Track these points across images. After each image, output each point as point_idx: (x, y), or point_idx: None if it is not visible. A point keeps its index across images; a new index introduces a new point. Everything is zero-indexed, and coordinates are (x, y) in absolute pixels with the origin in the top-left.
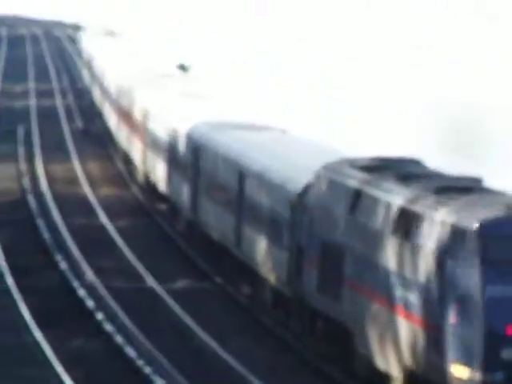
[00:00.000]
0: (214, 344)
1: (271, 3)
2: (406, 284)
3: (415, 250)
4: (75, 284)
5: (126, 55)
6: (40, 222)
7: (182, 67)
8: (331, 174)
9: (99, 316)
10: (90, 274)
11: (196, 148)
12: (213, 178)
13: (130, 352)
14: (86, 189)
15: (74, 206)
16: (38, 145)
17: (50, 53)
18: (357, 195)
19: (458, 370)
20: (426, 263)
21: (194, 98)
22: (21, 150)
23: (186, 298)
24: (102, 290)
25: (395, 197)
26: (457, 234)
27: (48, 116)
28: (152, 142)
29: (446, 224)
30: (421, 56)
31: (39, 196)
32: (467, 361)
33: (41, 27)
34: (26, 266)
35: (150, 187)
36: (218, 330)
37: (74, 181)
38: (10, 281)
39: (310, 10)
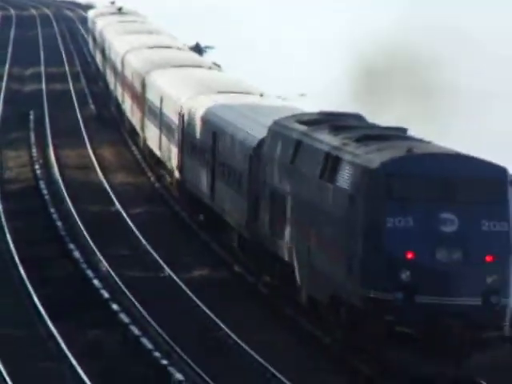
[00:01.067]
0: (233, 336)
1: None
2: (330, 221)
3: (335, 190)
4: (89, 273)
5: (139, 35)
6: (53, 210)
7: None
8: (280, 128)
9: (114, 306)
10: (104, 263)
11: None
12: (193, 139)
13: (147, 344)
14: (100, 175)
15: (87, 193)
16: (50, 130)
17: (62, 35)
18: (296, 146)
19: (368, 292)
20: (343, 201)
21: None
22: (32, 136)
23: (203, 287)
24: (117, 280)
25: (323, 145)
26: (364, 174)
27: (60, 101)
28: (167, 128)
29: (357, 165)
30: None
31: (52, 183)
32: (374, 283)
33: (52, 8)
34: (38, 256)
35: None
36: (237, 321)
37: (87, 167)
38: (21, 271)
39: None
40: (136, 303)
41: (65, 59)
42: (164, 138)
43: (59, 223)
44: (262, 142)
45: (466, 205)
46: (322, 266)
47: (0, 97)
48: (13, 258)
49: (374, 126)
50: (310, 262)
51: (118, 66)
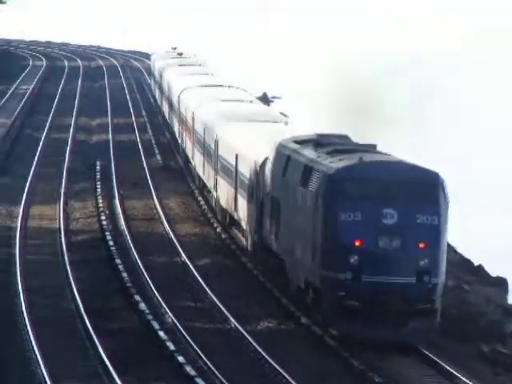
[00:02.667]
0: None
1: None
2: (304, 218)
3: (307, 193)
4: (155, 325)
5: (210, 88)
6: (118, 261)
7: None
8: (279, 147)
9: (180, 359)
10: (170, 315)
11: None
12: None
13: None
14: (166, 226)
15: (153, 244)
16: (117, 181)
17: (128, 85)
18: (287, 160)
19: (327, 273)
20: (311, 201)
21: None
22: (99, 187)
23: (270, 339)
24: (183, 332)
25: (303, 158)
26: (323, 178)
27: (126, 151)
28: (241, 183)
29: (320, 172)
30: None
31: (118, 234)
32: (329, 266)
33: (119, 58)
34: (103, 307)
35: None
36: (305, 374)
37: (153, 218)
38: (87, 322)
39: None
40: (202, 355)
41: (131, 109)
42: (240, 198)
43: (125, 274)
44: (266, 159)
45: (404, 202)
46: (299, 257)
47: (67, 147)
48: (78, 309)
49: (350, 144)
50: (292, 255)
51: (189, 121)
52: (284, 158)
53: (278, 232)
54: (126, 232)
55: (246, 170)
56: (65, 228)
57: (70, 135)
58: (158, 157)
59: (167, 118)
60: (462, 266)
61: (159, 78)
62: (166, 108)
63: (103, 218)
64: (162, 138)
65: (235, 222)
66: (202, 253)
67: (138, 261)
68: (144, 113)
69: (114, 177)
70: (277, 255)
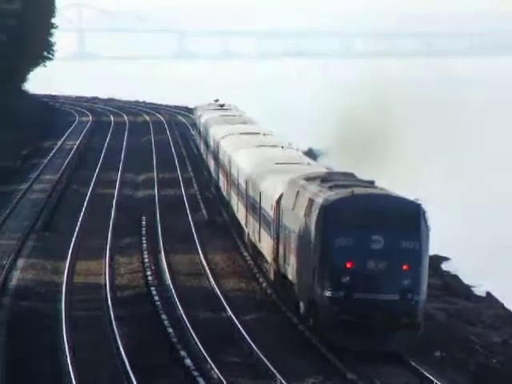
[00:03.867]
0: None
1: None
2: (307, 245)
3: (309, 223)
4: (201, 381)
5: (261, 148)
6: (164, 317)
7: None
8: (292, 184)
9: None
10: (215, 371)
11: None
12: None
13: None
14: (212, 281)
15: (199, 299)
16: (162, 236)
17: (174, 140)
18: (296, 195)
19: (324, 292)
20: (312, 230)
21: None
22: (144, 242)
23: None
24: None
25: (308, 193)
26: (321, 209)
27: (172, 206)
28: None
29: (319, 204)
30: None
31: (163, 289)
32: (325, 285)
33: (164, 113)
34: (149, 363)
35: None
36: None
37: (199, 273)
38: (133, 378)
39: None
40: None
41: (177, 165)
42: (263, 232)
43: (170, 330)
44: (281, 195)
45: (390, 229)
46: (304, 278)
47: (113, 203)
48: (124, 365)
49: (351, 180)
50: (300, 279)
51: (242, 185)
52: (294, 192)
53: (289, 260)
54: (172, 287)
55: (266, 206)
56: (110, 283)
57: (116, 190)
58: (204, 211)
59: (212, 172)
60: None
61: (203, 131)
62: (211, 163)
63: (149, 273)
64: (208, 193)
65: (262, 255)
66: (248, 308)
67: (184, 316)
68: (190, 168)
69: (159, 232)
70: (289, 281)
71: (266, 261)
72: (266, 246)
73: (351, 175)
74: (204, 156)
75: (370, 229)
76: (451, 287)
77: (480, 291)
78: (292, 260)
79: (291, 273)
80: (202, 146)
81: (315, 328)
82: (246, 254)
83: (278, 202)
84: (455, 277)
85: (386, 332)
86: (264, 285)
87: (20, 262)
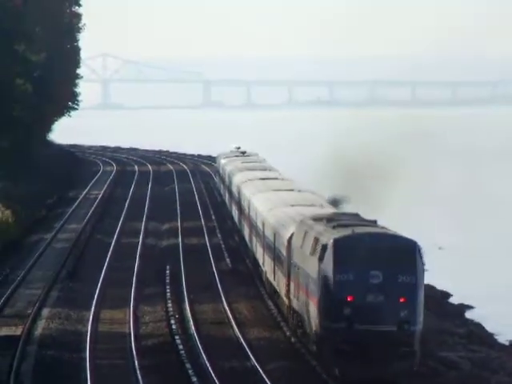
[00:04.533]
0: None
1: None
2: (312, 281)
3: (314, 259)
4: None
5: (269, 185)
6: (188, 366)
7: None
8: (301, 224)
9: None
10: None
11: None
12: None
13: None
14: (236, 330)
15: (223, 348)
16: (186, 285)
17: (198, 189)
18: (304, 235)
19: (326, 323)
20: (315, 266)
21: None
22: (168, 291)
23: None
24: None
25: (315, 232)
26: (324, 247)
27: (196, 255)
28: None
29: (323, 242)
30: None
31: (188, 338)
32: (328, 317)
33: (188, 163)
34: None
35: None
36: None
37: (223, 322)
38: None
39: None
40: None
41: (201, 214)
42: (277, 270)
43: (195, 379)
44: (292, 235)
45: (387, 265)
46: (311, 312)
47: (137, 252)
48: None
49: (355, 220)
50: (308, 312)
51: (259, 226)
52: (303, 232)
53: (298, 294)
54: (196, 336)
55: (280, 245)
56: (135, 332)
57: (140, 240)
58: (228, 260)
59: (236, 221)
60: None
61: (226, 179)
62: (234, 212)
63: (173, 321)
64: (231, 242)
65: (277, 292)
66: (272, 357)
67: (208, 365)
68: (213, 217)
69: (183, 280)
70: (299, 313)
71: (280, 297)
72: (279, 282)
73: (356, 215)
74: (228, 205)
75: (368, 264)
76: (475, 335)
77: (503, 339)
78: (301, 295)
79: (300, 307)
80: (226, 195)
81: (322, 358)
82: (269, 302)
83: (289, 241)
84: (479, 325)
85: (385, 361)
86: (288, 333)
87: (45, 312)
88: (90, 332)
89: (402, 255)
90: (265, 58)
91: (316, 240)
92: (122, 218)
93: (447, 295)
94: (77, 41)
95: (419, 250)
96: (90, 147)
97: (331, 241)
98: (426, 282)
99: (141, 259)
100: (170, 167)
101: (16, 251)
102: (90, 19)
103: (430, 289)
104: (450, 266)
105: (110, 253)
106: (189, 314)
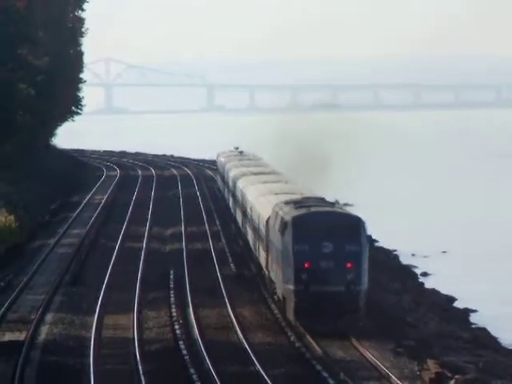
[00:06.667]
0: None
1: None
2: (279, 253)
3: (280, 235)
4: None
5: (261, 178)
6: (192, 371)
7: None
8: (274, 207)
9: None
10: None
11: None
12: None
13: None
14: (240, 335)
15: (227, 353)
16: (190, 290)
17: (202, 194)
18: (275, 216)
19: (288, 286)
20: (282, 242)
21: None
22: (172, 296)
23: None
24: None
25: (281, 213)
26: (285, 224)
27: (200, 260)
28: None
29: (285, 220)
30: None
31: (192, 343)
32: (290, 281)
33: (192, 167)
34: None
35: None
36: None
37: (227, 327)
38: None
39: None
40: None
41: (205, 218)
42: (260, 249)
43: None
44: (270, 216)
45: (337, 237)
46: (279, 278)
47: (141, 257)
48: None
49: (317, 201)
50: (277, 279)
51: (249, 210)
52: (275, 214)
53: (272, 266)
54: (200, 341)
55: (261, 226)
56: (139, 337)
57: (144, 244)
58: (232, 265)
59: (240, 226)
60: None
61: (232, 187)
62: (239, 216)
63: (177, 327)
64: (235, 246)
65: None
66: (276, 362)
67: (212, 370)
68: (217, 221)
69: (187, 285)
70: (273, 282)
71: (263, 271)
72: (261, 257)
73: (321, 199)
74: (232, 209)
75: (321, 237)
76: (480, 340)
77: (509, 344)
78: (274, 265)
79: (274, 276)
80: (241, 219)
81: (287, 316)
82: (273, 306)
83: (268, 221)
84: (484, 329)
85: (336, 315)
86: (292, 338)
87: (48, 317)
88: (93, 337)
89: (349, 229)
90: (267, 62)
91: (281, 219)
92: (125, 223)
93: (452, 299)
94: (80, 45)
95: (363, 225)
96: (94, 152)
97: (290, 218)
98: (430, 286)
99: (145, 264)
100: (174, 172)
101: (19, 256)
102: (93, 24)
103: (434, 293)
104: (455, 269)
105: (113, 257)
106: (193, 319)
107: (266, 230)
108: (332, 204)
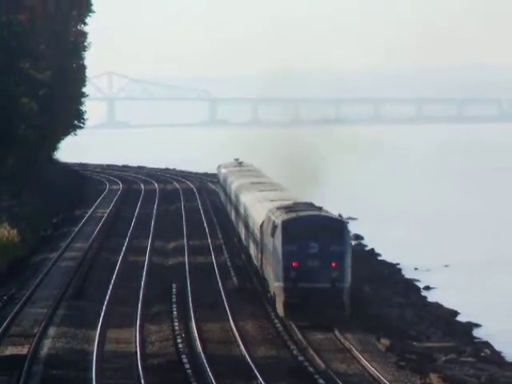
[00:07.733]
0: None
1: None
2: (270, 253)
3: (271, 238)
4: None
5: (260, 187)
6: None
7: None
8: (268, 212)
9: None
10: None
11: None
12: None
13: None
14: (242, 349)
15: (230, 367)
16: (193, 304)
17: (204, 207)
18: (268, 220)
19: (278, 283)
20: (272, 244)
21: None
22: (175, 310)
23: None
24: None
25: (274, 218)
26: (276, 227)
27: (202, 273)
28: None
29: (276, 223)
30: None
31: (194, 357)
32: (280, 278)
33: (195, 181)
34: None
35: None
36: None
37: (229, 341)
38: None
39: None
40: None
41: (207, 232)
42: (254, 249)
43: None
44: (264, 221)
45: (322, 239)
46: (270, 276)
47: (143, 271)
48: None
49: (306, 206)
50: (269, 277)
51: (242, 211)
52: (268, 219)
53: (266, 266)
54: (202, 355)
55: (256, 230)
56: (141, 351)
57: (146, 258)
58: (234, 278)
59: (242, 238)
60: None
61: (235, 200)
62: (241, 229)
63: (179, 340)
64: (238, 260)
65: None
66: (279, 376)
67: None
68: (220, 235)
69: (189, 299)
70: (266, 281)
71: (255, 268)
72: (255, 257)
73: (310, 204)
74: (234, 223)
75: (308, 239)
76: (483, 354)
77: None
78: (266, 266)
79: (266, 275)
80: (243, 232)
81: (277, 311)
82: (276, 320)
83: (261, 225)
84: (486, 343)
85: (322, 310)
86: (295, 352)
87: (51, 331)
88: (96, 351)
89: (333, 231)
90: (271, 75)
91: (273, 223)
92: (128, 237)
93: (455, 313)
94: (82, 59)
95: (346, 227)
96: (97, 165)
97: (280, 222)
98: (432, 300)
99: (147, 278)
100: (177, 185)
101: (22, 270)
102: (96, 38)
103: (437, 307)
104: (458, 283)
105: (116, 271)
106: (195, 333)
107: (261, 235)
108: (319, 209)
